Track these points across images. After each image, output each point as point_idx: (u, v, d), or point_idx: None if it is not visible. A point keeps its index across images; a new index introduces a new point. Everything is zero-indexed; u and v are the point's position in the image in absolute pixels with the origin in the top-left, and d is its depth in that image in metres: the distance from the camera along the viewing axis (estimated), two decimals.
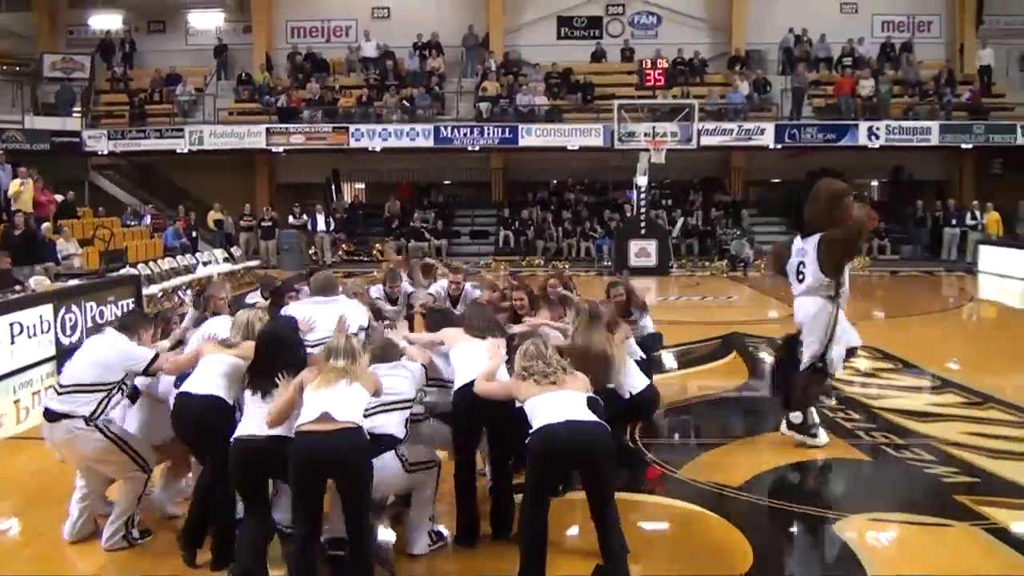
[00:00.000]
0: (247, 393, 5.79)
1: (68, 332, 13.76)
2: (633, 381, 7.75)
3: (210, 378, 5.99)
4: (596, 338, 7.41)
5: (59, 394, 6.22)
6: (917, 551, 6.34)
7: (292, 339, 6.05)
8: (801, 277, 8.45)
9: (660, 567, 6.10)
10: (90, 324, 14.20)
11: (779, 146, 28.07)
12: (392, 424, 6.02)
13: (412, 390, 6.30)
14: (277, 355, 5.79)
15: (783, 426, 8.61)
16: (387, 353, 6.49)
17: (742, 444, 8.90)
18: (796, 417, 8.49)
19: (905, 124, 28.03)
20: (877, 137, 27.82)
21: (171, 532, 6.44)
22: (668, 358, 12.47)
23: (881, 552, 6.25)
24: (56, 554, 6.33)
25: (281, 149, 28.69)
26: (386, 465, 5.85)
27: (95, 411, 6.15)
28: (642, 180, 24.99)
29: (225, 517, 5.91)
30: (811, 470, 8.11)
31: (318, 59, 31.21)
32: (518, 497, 6.15)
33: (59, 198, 22.56)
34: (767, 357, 13.00)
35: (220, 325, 6.77)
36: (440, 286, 10.55)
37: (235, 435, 5.66)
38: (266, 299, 9.25)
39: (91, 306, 14.49)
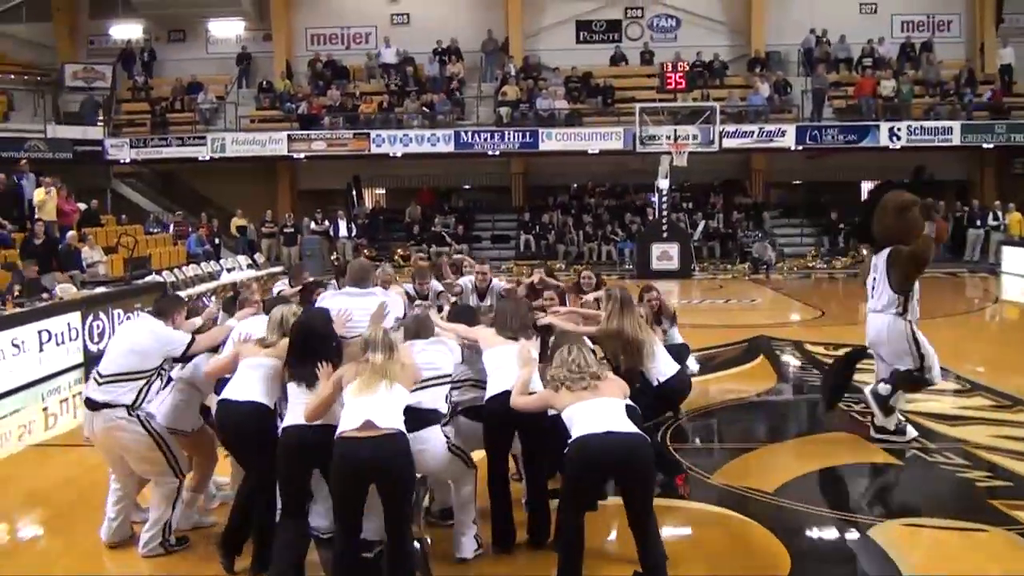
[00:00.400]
0: (291, 385, 5.80)
1: (96, 339, 13.86)
2: (662, 367, 7.68)
3: (250, 383, 6.01)
4: (628, 322, 7.43)
5: (99, 384, 6.25)
6: (953, 556, 6.33)
7: (325, 329, 6.07)
8: (874, 292, 8.53)
9: (699, 571, 6.10)
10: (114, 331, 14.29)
11: (800, 147, 28.03)
12: (435, 399, 6.08)
13: (451, 365, 6.33)
14: (310, 344, 5.81)
15: (872, 433, 8.65)
16: (422, 328, 6.49)
17: (773, 448, 8.89)
18: (889, 423, 8.57)
19: (926, 124, 27.93)
20: (898, 138, 27.74)
21: (208, 539, 6.49)
22: (693, 362, 12.45)
23: (917, 557, 6.22)
24: (93, 562, 6.37)
25: (302, 156, 28.79)
26: (431, 439, 5.92)
27: (136, 399, 6.20)
28: (663, 183, 24.97)
29: (266, 523, 5.92)
30: (844, 474, 8.10)
31: (338, 66, 31.33)
32: (553, 502, 6.17)
33: (82, 207, 22.68)
34: (795, 361, 13.02)
35: (256, 324, 6.73)
36: (468, 279, 10.62)
37: (283, 425, 5.74)
38: (293, 287, 9.40)
39: (118, 313, 14.61)
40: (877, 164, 30.24)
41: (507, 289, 10.03)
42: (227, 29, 32.95)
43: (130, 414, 6.16)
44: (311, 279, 10.43)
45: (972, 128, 27.89)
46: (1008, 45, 30.38)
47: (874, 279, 8.53)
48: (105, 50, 32.51)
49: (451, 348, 6.44)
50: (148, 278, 17.89)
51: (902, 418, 8.72)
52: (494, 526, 6.35)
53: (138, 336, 6.41)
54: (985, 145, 28.32)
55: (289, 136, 28.39)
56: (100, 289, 15.78)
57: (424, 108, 29.11)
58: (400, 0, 32.44)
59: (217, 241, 26.08)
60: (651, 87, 29.62)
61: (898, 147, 27.88)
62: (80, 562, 6.37)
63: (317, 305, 7.29)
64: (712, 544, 6.57)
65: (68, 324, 13.31)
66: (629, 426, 5.53)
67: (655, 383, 7.51)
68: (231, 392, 6.06)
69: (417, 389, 5.88)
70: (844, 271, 26.22)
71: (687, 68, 28.61)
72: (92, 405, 6.22)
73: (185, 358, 6.51)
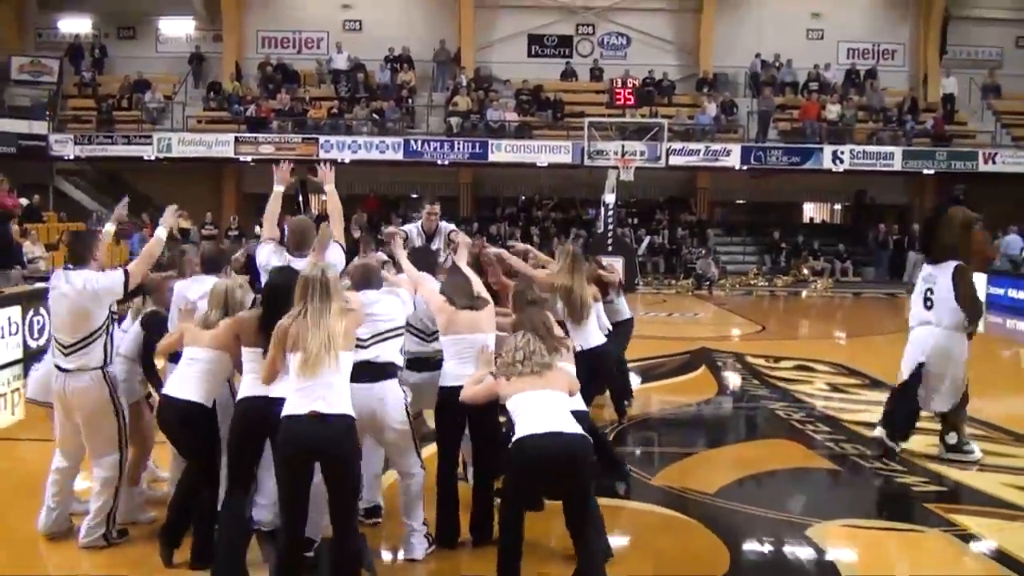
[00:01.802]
0: (255, 352, 5.73)
1: (36, 335, 13.63)
2: (591, 336, 7.82)
3: (190, 381, 5.91)
4: (579, 282, 7.68)
5: (65, 354, 6.11)
6: (889, 555, 6.53)
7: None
8: (929, 304, 8.41)
9: (641, 570, 6.18)
10: None
11: (745, 167, 28.43)
12: (392, 352, 6.06)
13: (404, 317, 6.28)
14: (285, 309, 5.52)
15: (941, 450, 8.61)
16: (371, 275, 6.32)
17: (713, 453, 9.06)
18: (952, 439, 8.54)
19: (869, 149, 28.53)
20: (841, 161, 28.24)
21: (148, 533, 6.41)
22: (635, 374, 12.58)
23: (854, 557, 6.37)
24: (31, 553, 6.25)
25: (249, 159, 28.58)
26: (388, 393, 5.94)
27: (105, 357, 6.14)
28: (610, 197, 25.14)
29: (207, 516, 5.86)
30: (783, 479, 8.25)
31: (289, 70, 31.16)
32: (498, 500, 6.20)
33: (24, 202, 22.36)
34: (736, 372, 13.23)
35: (196, 288, 6.56)
36: (413, 226, 10.19)
37: (241, 395, 5.76)
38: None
39: None
40: (820, 187, 30.88)
41: (453, 231, 9.61)
42: (178, 28, 32.68)
43: (103, 373, 6.12)
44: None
45: (913, 154, 28.52)
46: (951, 75, 31.13)
47: (928, 290, 8.42)
48: (53, 43, 32.07)
49: (404, 300, 6.33)
50: None
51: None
52: (439, 522, 6.33)
53: (78, 301, 6.12)
54: (926, 171, 28.91)
55: (236, 138, 28.16)
56: (40, 284, 15.53)
57: (374, 115, 29.07)
58: (353, 6, 32.44)
59: None
60: (600, 103, 29.99)
61: (841, 170, 28.37)
62: (17, 554, 6.24)
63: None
64: (653, 543, 6.65)
65: (8, 319, 13.10)
66: (571, 426, 5.46)
67: (578, 348, 7.43)
68: (171, 388, 6.00)
69: (374, 342, 5.89)
70: (785, 289, 26.70)
71: (636, 84, 28.93)
72: (64, 370, 6.12)
73: (131, 295, 6.42)
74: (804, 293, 26.24)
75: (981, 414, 9.72)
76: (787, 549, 6.53)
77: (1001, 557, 6.33)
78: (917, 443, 9.06)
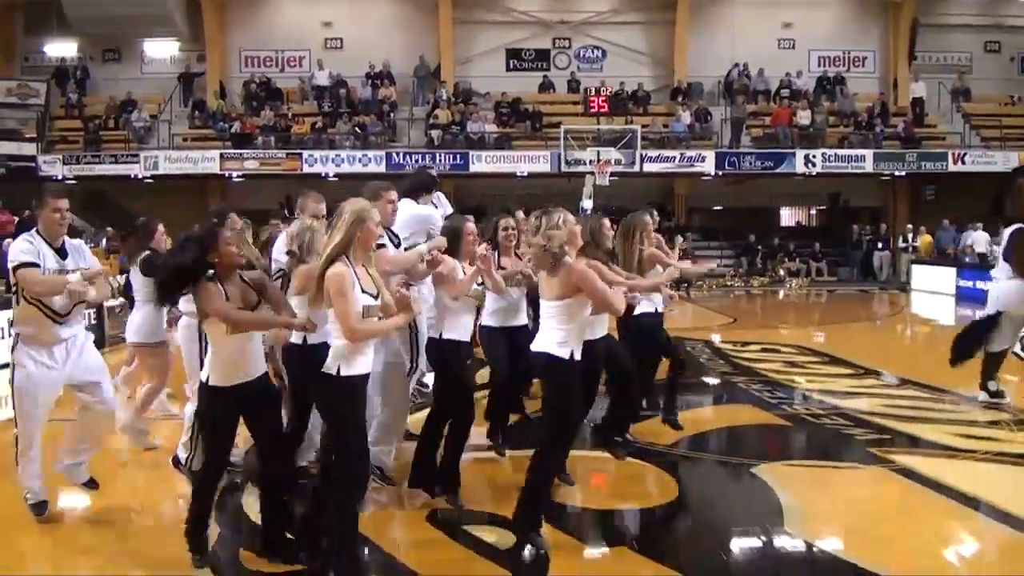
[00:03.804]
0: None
1: None
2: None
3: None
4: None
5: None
6: (828, 487, 7.10)
7: None
8: (996, 263, 9.77)
9: (602, 499, 6.78)
10: None
11: (720, 172, 29.01)
12: None
13: None
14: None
15: (981, 395, 9.70)
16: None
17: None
18: (992, 385, 9.66)
19: (840, 152, 29.12)
20: (813, 165, 28.83)
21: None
22: None
23: (794, 486, 6.92)
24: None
25: (235, 174, 29.10)
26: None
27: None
28: (588, 203, 25.67)
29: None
30: (736, 433, 8.84)
31: (272, 87, 31.70)
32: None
33: (16, 219, 22.93)
34: (704, 352, 13.83)
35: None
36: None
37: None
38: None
39: None
40: (795, 191, 31.50)
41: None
42: (161, 49, 33.04)
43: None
44: None
45: (884, 156, 29.13)
46: (920, 80, 31.86)
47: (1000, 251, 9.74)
48: (39, 68, 32.55)
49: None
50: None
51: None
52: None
53: None
54: (897, 173, 29.57)
55: (222, 155, 28.65)
56: None
57: (356, 129, 29.63)
58: (334, 24, 33.03)
59: None
60: (577, 113, 30.59)
61: (813, 173, 28.98)
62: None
63: None
64: (613, 479, 7.24)
65: (8, 320, 13.61)
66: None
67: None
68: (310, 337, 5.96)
69: None
70: (762, 288, 27.40)
71: (609, 92, 29.63)
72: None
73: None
74: (781, 293, 26.87)
75: (937, 380, 10.40)
76: (731, 483, 7.12)
77: (939, 487, 6.85)
78: (865, 404, 9.68)
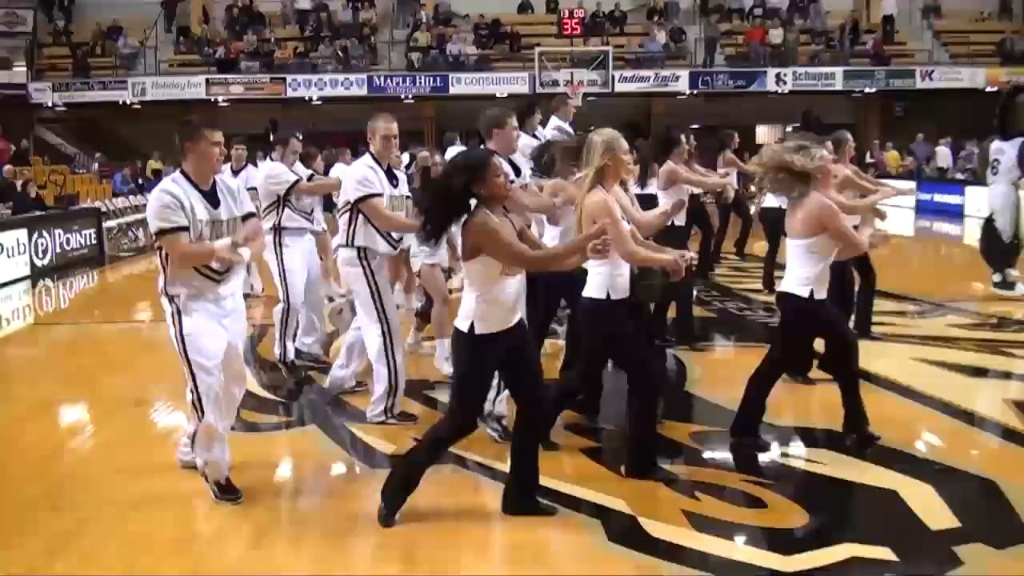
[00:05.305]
0: None
1: (40, 255, 15.40)
2: None
3: None
4: None
5: None
6: (735, 362, 8.14)
7: None
8: (994, 170, 10.90)
9: None
10: (59, 249, 16.14)
11: (694, 92, 29.80)
12: None
13: None
14: None
15: (991, 286, 11.01)
16: None
17: None
18: (997, 277, 10.95)
19: (811, 70, 29.91)
20: (785, 83, 29.64)
21: None
22: None
23: (700, 366, 8.00)
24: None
25: (221, 99, 29.81)
26: None
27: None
28: (563, 125, 26.33)
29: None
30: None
31: (254, 11, 32.31)
32: None
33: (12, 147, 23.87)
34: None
35: None
36: None
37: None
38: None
39: (59, 233, 16.29)
40: (770, 110, 32.22)
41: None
42: None
43: None
44: None
45: (854, 74, 29.94)
46: None
47: (996, 160, 10.93)
48: None
49: None
50: (84, 204, 19.48)
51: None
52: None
53: None
54: (867, 90, 30.37)
55: (207, 80, 29.41)
56: (39, 212, 17.25)
57: (338, 53, 30.27)
58: None
59: (140, 181, 27.15)
60: (554, 34, 31.22)
61: (785, 91, 29.77)
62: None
63: None
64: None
65: (17, 239, 14.72)
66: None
67: None
68: None
69: None
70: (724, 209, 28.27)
71: (584, 15, 30.26)
72: None
73: None
74: (752, 208, 27.68)
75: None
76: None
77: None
78: None
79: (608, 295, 5.28)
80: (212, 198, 5.12)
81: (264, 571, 4.41)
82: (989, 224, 11.19)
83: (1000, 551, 4.43)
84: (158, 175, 28.54)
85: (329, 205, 9.54)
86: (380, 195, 6.31)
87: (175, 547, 4.67)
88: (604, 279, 5.28)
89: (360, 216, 6.36)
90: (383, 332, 6.41)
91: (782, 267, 6.22)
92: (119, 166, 27.44)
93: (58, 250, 16.10)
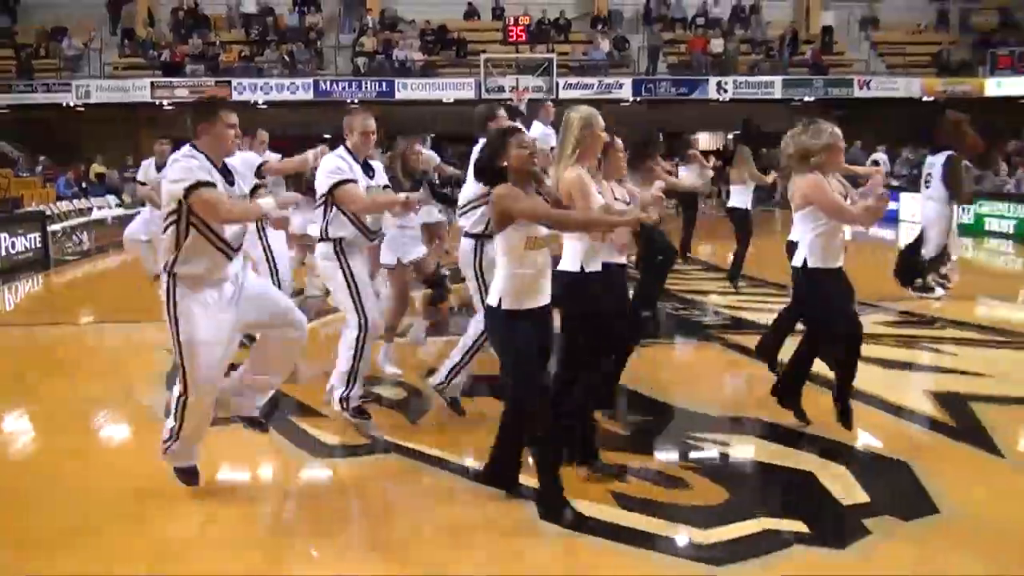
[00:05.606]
0: None
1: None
2: None
3: None
4: None
5: None
6: (665, 358, 8.46)
7: None
8: (927, 184, 11.25)
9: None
10: (3, 253, 16.19)
11: (636, 99, 30.26)
12: None
13: None
14: None
15: (910, 291, 11.42)
16: None
17: None
18: (917, 283, 11.45)
19: (751, 79, 30.52)
20: (726, 91, 30.21)
21: None
22: None
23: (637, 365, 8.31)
24: None
25: (166, 102, 29.68)
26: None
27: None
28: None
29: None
30: None
31: (200, 14, 32.16)
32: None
33: None
34: None
35: None
36: None
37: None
38: None
39: (4, 236, 16.38)
40: (711, 117, 32.77)
41: None
42: None
43: None
44: None
45: (792, 83, 30.58)
46: (830, 8, 33.27)
47: (928, 175, 11.26)
48: None
49: None
50: (28, 208, 19.48)
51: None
52: None
53: None
54: (806, 99, 31.00)
55: (152, 83, 29.26)
56: None
57: (284, 57, 30.31)
58: None
59: (84, 185, 27.06)
60: (500, 41, 31.53)
61: (726, 99, 30.35)
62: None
63: None
64: None
65: None
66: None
67: None
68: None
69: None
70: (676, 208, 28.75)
71: (529, 22, 30.64)
72: None
73: None
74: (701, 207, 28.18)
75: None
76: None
77: (752, 354, 8.09)
78: (723, 301, 11.10)
79: (582, 267, 5.30)
80: (228, 175, 5.12)
81: (262, 571, 4.47)
82: (911, 246, 11.62)
83: (907, 522, 4.80)
84: (102, 178, 28.54)
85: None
86: (354, 181, 6.36)
87: (161, 551, 4.64)
88: (578, 252, 5.31)
89: (334, 208, 6.42)
90: (360, 325, 6.45)
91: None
92: (63, 169, 27.33)
93: (2, 254, 16.14)
